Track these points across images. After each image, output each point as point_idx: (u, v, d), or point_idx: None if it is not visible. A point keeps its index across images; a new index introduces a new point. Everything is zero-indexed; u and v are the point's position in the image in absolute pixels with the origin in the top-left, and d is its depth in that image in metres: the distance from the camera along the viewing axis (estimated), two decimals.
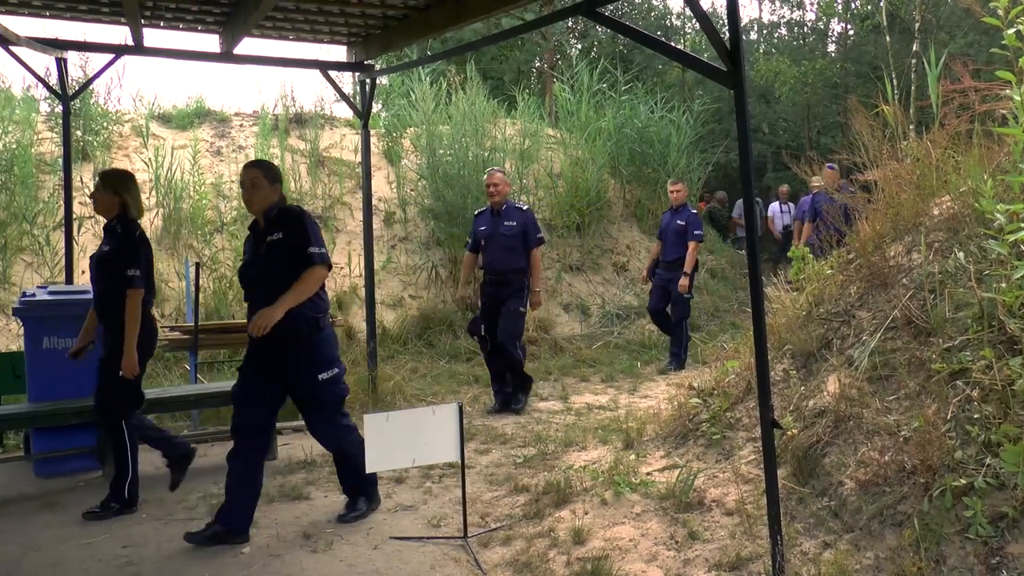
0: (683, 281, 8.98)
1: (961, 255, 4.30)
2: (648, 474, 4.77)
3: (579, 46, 22.37)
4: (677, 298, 9.15)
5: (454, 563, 4.16)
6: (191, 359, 7.03)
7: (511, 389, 7.50)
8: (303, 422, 6.90)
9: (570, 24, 22.33)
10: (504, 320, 7.30)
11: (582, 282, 11.71)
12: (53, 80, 8.21)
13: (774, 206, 14.79)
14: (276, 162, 11.25)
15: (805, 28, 25.81)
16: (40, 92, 11.34)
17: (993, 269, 4.08)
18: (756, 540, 3.86)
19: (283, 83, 29.16)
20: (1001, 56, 4.09)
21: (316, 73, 7.82)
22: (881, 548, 3.46)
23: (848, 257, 5.21)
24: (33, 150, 10.07)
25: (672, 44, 4.66)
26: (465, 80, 12.17)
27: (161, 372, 8.18)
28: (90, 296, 5.90)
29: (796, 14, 25.85)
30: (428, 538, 4.48)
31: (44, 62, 10.04)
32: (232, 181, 10.94)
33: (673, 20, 25.49)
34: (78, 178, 9.83)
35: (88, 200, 9.93)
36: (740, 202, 14.50)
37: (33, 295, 5.84)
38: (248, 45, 13.20)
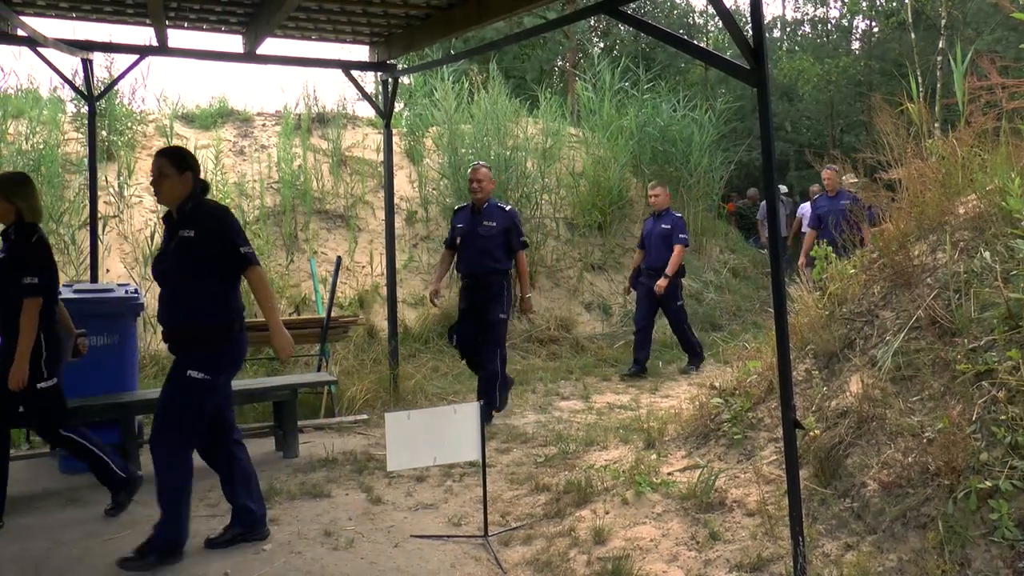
0: (661, 282, 8.75)
1: (987, 254, 4.26)
2: (669, 474, 4.76)
3: (601, 45, 22.35)
4: (668, 307, 8.99)
5: (475, 562, 4.16)
6: None
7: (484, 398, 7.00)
8: (325, 420, 7.01)
9: (592, 23, 22.31)
10: (486, 330, 6.95)
11: (604, 281, 11.69)
12: (79, 81, 8.29)
13: (804, 207, 14.67)
14: (298, 161, 11.33)
15: (829, 25, 25.65)
16: (66, 93, 11.49)
17: (1020, 269, 4.03)
18: (777, 541, 3.84)
19: (305, 83, 29.27)
20: None
21: (338, 73, 7.84)
22: (904, 550, 3.43)
23: (872, 256, 5.16)
24: (59, 150, 10.19)
25: (695, 42, 4.63)
26: (487, 79, 12.18)
27: None
28: (116, 294, 5.97)
29: (820, 11, 25.71)
30: (449, 536, 4.48)
31: (70, 63, 10.14)
32: (255, 181, 11.02)
33: (696, 18, 25.44)
34: (103, 178, 9.92)
35: (113, 200, 10.05)
36: (764, 203, 14.41)
37: (59, 293, 5.89)
38: (271, 45, 13.27)
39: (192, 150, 10.57)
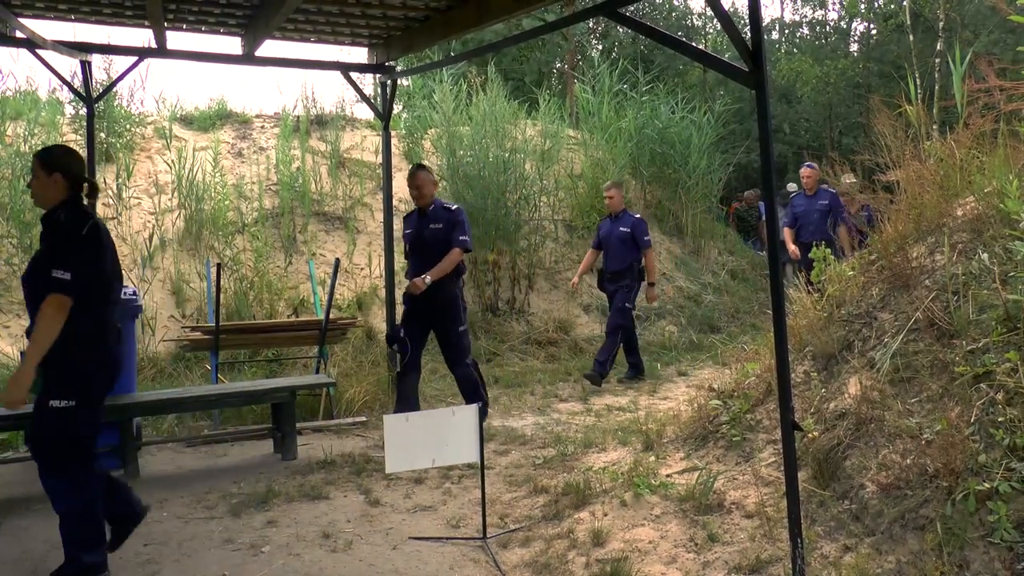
0: (651, 292, 8.73)
1: (985, 256, 4.26)
2: (668, 476, 4.76)
3: (600, 47, 22.33)
4: (617, 305, 8.64)
5: (473, 564, 4.16)
6: (212, 359, 7.07)
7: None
8: (323, 422, 7.01)
9: (591, 25, 22.31)
10: (449, 349, 6.58)
11: None
12: (78, 83, 8.29)
13: None
14: (296, 163, 11.32)
15: (827, 27, 25.66)
16: (65, 95, 11.48)
17: (1019, 271, 4.04)
18: (776, 543, 3.84)
19: (304, 85, 29.39)
20: None
21: (337, 75, 7.86)
22: (903, 552, 3.43)
23: (870, 258, 5.17)
24: None
25: (693, 44, 4.64)
26: (486, 81, 12.18)
27: (182, 372, 8.25)
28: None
29: (818, 13, 25.72)
30: (447, 539, 4.48)
31: (69, 65, 10.15)
32: (253, 183, 11.02)
33: (694, 20, 25.43)
34: (102, 180, 9.92)
35: (111, 202, 10.04)
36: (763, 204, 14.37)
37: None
38: (270, 47, 13.25)
39: (191, 152, 10.66)
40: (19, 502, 5.18)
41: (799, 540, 3.46)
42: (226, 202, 10.46)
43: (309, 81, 22.00)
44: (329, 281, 7.54)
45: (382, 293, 9.24)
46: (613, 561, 3.92)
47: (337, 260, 7.79)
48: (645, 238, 8.64)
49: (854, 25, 24.51)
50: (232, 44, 6.76)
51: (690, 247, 13.08)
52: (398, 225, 10.89)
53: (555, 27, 6.81)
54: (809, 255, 8.55)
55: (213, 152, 11.01)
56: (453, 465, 5.40)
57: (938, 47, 16.08)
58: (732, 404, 5.05)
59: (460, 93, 12.14)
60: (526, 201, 11.43)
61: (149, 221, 10.07)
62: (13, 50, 8.53)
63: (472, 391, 6.56)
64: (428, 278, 6.33)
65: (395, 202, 10.44)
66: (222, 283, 8.19)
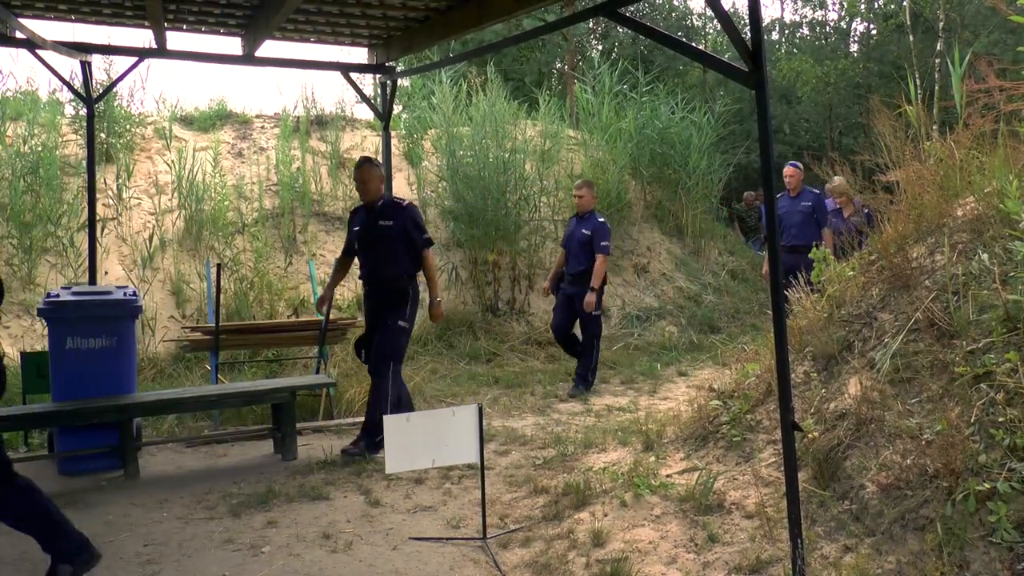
0: (589, 298, 8.07)
1: (985, 257, 4.26)
2: (668, 476, 4.76)
3: (600, 47, 22.33)
4: (584, 316, 8.23)
5: (473, 564, 4.16)
6: (212, 359, 7.07)
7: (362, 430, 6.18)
8: (324, 422, 7.01)
9: (591, 25, 22.30)
10: (380, 338, 6.11)
11: None
12: (78, 83, 8.29)
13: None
14: (296, 164, 11.33)
15: (827, 28, 25.66)
16: (65, 95, 11.47)
17: (1019, 271, 4.03)
18: (776, 543, 3.84)
19: (304, 85, 29.40)
20: None
21: (337, 75, 7.86)
22: (903, 552, 3.43)
23: (870, 259, 5.17)
24: (58, 152, 10.18)
25: (693, 44, 4.64)
26: (486, 81, 12.18)
27: (182, 372, 8.25)
28: (115, 296, 5.97)
29: (818, 14, 25.72)
30: (447, 539, 4.48)
31: (69, 65, 10.15)
32: (253, 183, 11.03)
33: (694, 20, 25.44)
34: (102, 180, 9.92)
35: (111, 202, 10.05)
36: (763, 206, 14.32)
37: (57, 296, 5.90)
38: (270, 47, 13.24)
39: (191, 152, 10.66)
40: None
41: (799, 540, 3.46)
42: (226, 202, 10.46)
43: (309, 81, 22.07)
44: (329, 281, 7.53)
45: None
46: (613, 561, 3.92)
47: (337, 260, 7.79)
48: (603, 243, 8.21)
49: (854, 25, 24.52)
50: (232, 44, 6.77)
51: (690, 247, 13.08)
52: None
53: (555, 27, 6.82)
54: (794, 257, 8.42)
55: (213, 152, 11.02)
56: (453, 465, 5.40)
57: (938, 47, 16.09)
58: (732, 404, 5.05)
59: (460, 93, 12.14)
60: (526, 201, 11.43)
61: (149, 221, 10.07)
62: (13, 50, 8.54)
63: (374, 405, 6.06)
64: (440, 299, 6.38)
65: None
66: (222, 283, 8.20)
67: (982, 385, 3.75)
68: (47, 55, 6.95)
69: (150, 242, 9.73)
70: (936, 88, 15.18)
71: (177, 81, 26.38)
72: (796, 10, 26.44)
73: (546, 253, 11.44)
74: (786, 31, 26.23)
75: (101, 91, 8.13)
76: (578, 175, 12.41)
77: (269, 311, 9.39)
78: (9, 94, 11.21)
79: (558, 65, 22.03)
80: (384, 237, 6.18)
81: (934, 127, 11.31)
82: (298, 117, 12.59)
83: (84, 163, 9.40)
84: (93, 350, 5.80)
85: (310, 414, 7.11)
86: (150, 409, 6.08)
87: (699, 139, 13.28)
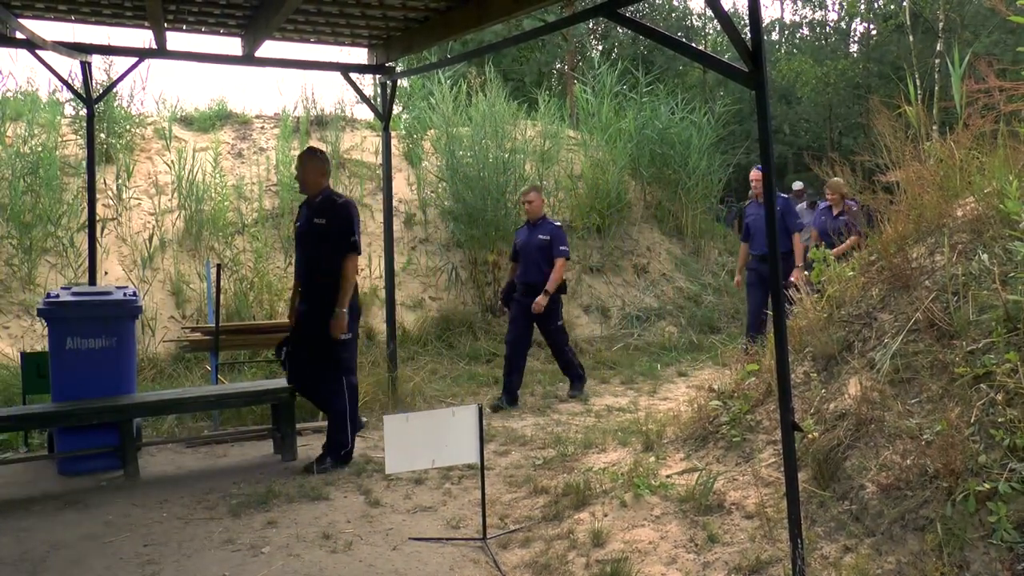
0: (540, 299, 7.62)
1: (985, 257, 4.26)
2: (668, 476, 4.75)
3: (600, 47, 22.35)
4: (546, 329, 7.85)
5: (473, 564, 4.16)
6: (212, 360, 7.07)
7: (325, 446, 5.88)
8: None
9: (591, 25, 22.32)
10: (319, 351, 5.72)
11: (602, 284, 11.69)
12: (78, 83, 8.29)
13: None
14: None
15: (827, 28, 25.69)
16: (65, 95, 11.48)
17: (1019, 271, 4.03)
18: (776, 544, 3.84)
19: (304, 85, 29.47)
20: None
21: (337, 75, 7.86)
22: (903, 553, 3.43)
23: (870, 259, 5.17)
24: (58, 153, 10.19)
25: (693, 45, 4.64)
26: (485, 82, 12.19)
27: (182, 373, 8.25)
28: (115, 297, 5.97)
29: (818, 14, 25.75)
30: (447, 539, 4.48)
31: (69, 65, 10.15)
32: (253, 184, 11.03)
33: (694, 21, 25.47)
34: (101, 180, 9.93)
35: (111, 202, 10.05)
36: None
37: (57, 296, 5.90)
38: (269, 48, 13.26)
39: (190, 153, 10.66)
40: (19, 502, 5.18)
41: (799, 541, 3.46)
42: (226, 203, 10.46)
43: (309, 82, 22.10)
44: None
45: (382, 293, 9.23)
46: (613, 562, 3.92)
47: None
48: (562, 247, 7.77)
49: (854, 26, 24.57)
50: (232, 45, 6.77)
51: (690, 248, 13.08)
52: (398, 226, 10.95)
53: (555, 28, 6.82)
54: (764, 266, 8.26)
55: (213, 153, 11.02)
56: (453, 466, 5.40)
57: (938, 48, 16.11)
58: (732, 405, 5.05)
59: (460, 94, 12.15)
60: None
61: (149, 222, 10.08)
62: (13, 50, 8.55)
63: (333, 426, 5.81)
64: (343, 309, 5.63)
65: (395, 203, 10.47)
66: (222, 284, 8.19)
67: (982, 385, 3.75)
68: (47, 55, 6.95)
69: (150, 242, 9.73)
70: (936, 88, 15.20)
71: (177, 81, 26.50)
72: (796, 10, 26.47)
73: None
74: (786, 31, 26.27)
75: (101, 91, 8.14)
76: (578, 175, 12.43)
77: (269, 311, 9.39)
78: (9, 94, 11.23)
79: (558, 65, 22.04)
80: (315, 237, 5.74)
81: (934, 127, 11.31)
82: (298, 117, 12.59)
83: (84, 163, 9.40)
84: (93, 350, 5.81)
85: (310, 414, 7.10)
86: (150, 409, 6.08)
87: (699, 139, 13.29)
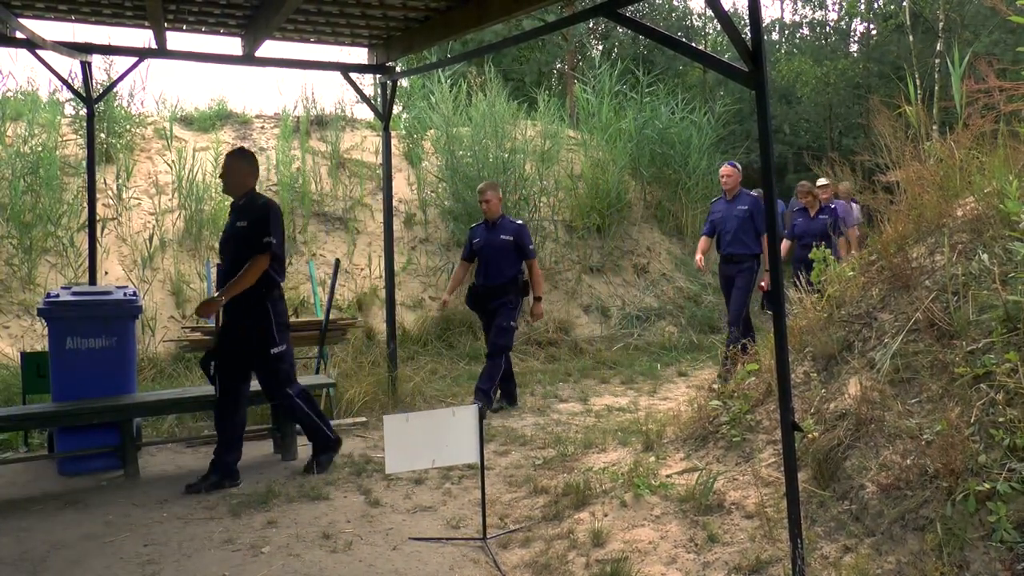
0: (539, 307, 7.55)
1: (985, 257, 4.26)
2: (668, 476, 4.76)
3: (600, 47, 22.35)
4: (500, 324, 7.37)
5: (473, 564, 4.16)
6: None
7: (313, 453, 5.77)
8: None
9: (591, 25, 22.31)
10: (262, 376, 5.60)
11: (602, 284, 11.69)
12: (78, 83, 8.29)
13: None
14: (296, 164, 11.33)
15: (827, 28, 25.68)
16: (65, 95, 11.48)
17: (1019, 271, 4.03)
18: (776, 543, 3.84)
19: (304, 85, 29.46)
20: None
21: (337, 75, 7.86)
22: (903, 552, 3.43)
23: (870, 259, 5.17)
24: (58, 152, 10.19)
25: (693, 45, 4.64)
26: (485, 82, 12.19)
27: (182, 373, 8.24)
28: (115, 297, 5.97)
29: (818, 14, 25.74)
30: (447, 539, 4.48)
31: (69, 65, 10.15)
32: None
33: (694, 20, 25.46)
34: (102, 180, 9.92)
35: (111, 202, 10.04)
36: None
37: (57, 296, 5.90)
38: (270, 47, 13.25)
39: (191, 152, 10.66)
40: (19, 502, 5.18)
41: (799, 540, 3.46)
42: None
43: (309, 81, 22.10)
44: (329, 282, 7.54)
45: (382, 294, 9.23)
46: (613, 562, 3.92)
47: (337, 261, 7.79)
48: (530, 247, 7.51)
49: (854, 25, 24.55)
50: (232, 44, 6.77)
51: (690, 247, 13.06)
52: (398, 225, 10.94)
53: (555, 27, 6.82)
54: (729, 267, 8.03)
55: (213, 152, 11.01)
56: (453, 466, 5.40)
57: (938, 48, 16.11)
58: (732, 405, 5.05)
59: (460, 94, 12.14)
60: (526, 202, 11.43)
61: (149, 222, 10.07)
62: (13, 50, 8.55)
63: (305, 427, 5.74)
64: (223, 297, 5.30)
65: (395, 202, 10.48)
66: None
67: (982, 385, 3.75)
68: (47, 55, 6.95)
69: (150, 242, 9.73)
70: (936, 88, 15.19)
71: (177, 81, 26.47)
72: (796, 10, 26.47)
73: (546, 253, 11.44)
74: (786, 31, 26.25)
75: (101, 91, 8.14)
76: (578, 175, 12.42)
77: None
78: (9, 94, 11.22)
79: (558, 65, 22.03)
80: (238, 241, 5.42)
81: (934, 127, 11.31)
82: (298, 117, 12.59)
83: (84, 163, 9.40)
84: (93, 350, 5.81)
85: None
86: (150, 409, 6.07)
87: (699, 139, 13.29)
